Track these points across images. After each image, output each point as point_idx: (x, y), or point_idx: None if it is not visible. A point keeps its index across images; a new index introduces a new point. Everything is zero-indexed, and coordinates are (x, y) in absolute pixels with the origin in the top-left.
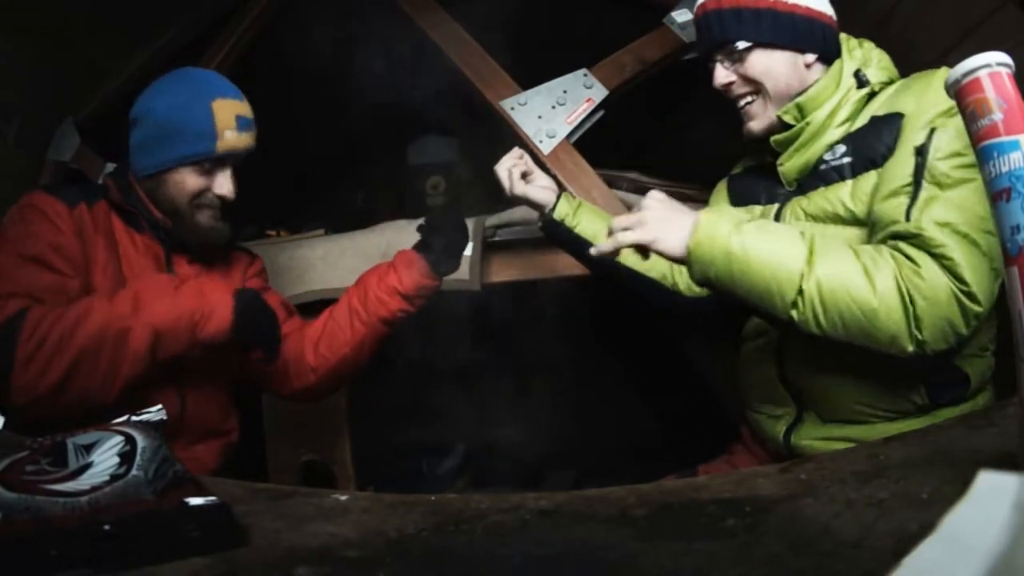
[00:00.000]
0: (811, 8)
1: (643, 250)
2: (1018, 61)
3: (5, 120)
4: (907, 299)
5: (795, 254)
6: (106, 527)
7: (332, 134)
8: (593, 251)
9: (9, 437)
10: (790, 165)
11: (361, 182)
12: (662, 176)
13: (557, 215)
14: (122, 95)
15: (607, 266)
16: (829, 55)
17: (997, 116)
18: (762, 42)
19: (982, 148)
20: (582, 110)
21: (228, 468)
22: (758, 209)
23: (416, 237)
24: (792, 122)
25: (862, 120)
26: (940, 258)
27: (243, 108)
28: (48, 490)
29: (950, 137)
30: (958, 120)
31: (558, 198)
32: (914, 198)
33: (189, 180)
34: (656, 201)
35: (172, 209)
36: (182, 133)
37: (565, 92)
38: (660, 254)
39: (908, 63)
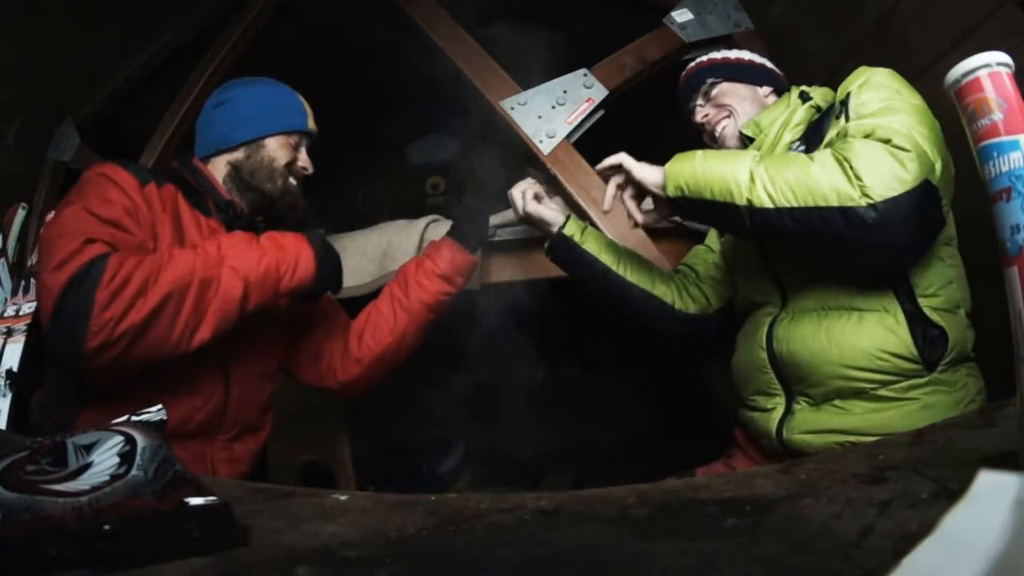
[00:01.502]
0: (765, 63)
1: (639, 194)
2: (1018, 61)
3: (5, 120)
4: (841, 159)
5: (747, 156)
6: (106, 527)
7: (332, 134)
8: (598, 167)
9: (9, 437)
10: None
11: (361, 182)
12: None
13: (567, 232)
14: (122, 95)
15: (610, 287)
16: (781, 92)
17: (997, 116)
18: (729, 77)
19: (982, 148)
20: (582, 110)
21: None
22: None
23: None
24: (752, 135)
25: (811, 125)
26: (866, 136)
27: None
28: (48, 490)
29: (866, 89)
30: (872, 78)
31: (567, 219)
32: (845, 128)
33: (284, 148)
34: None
35: (267, 175)
36: (279, 108)
37: (565, 92)
38: (641, 181)
39: (908, 63)
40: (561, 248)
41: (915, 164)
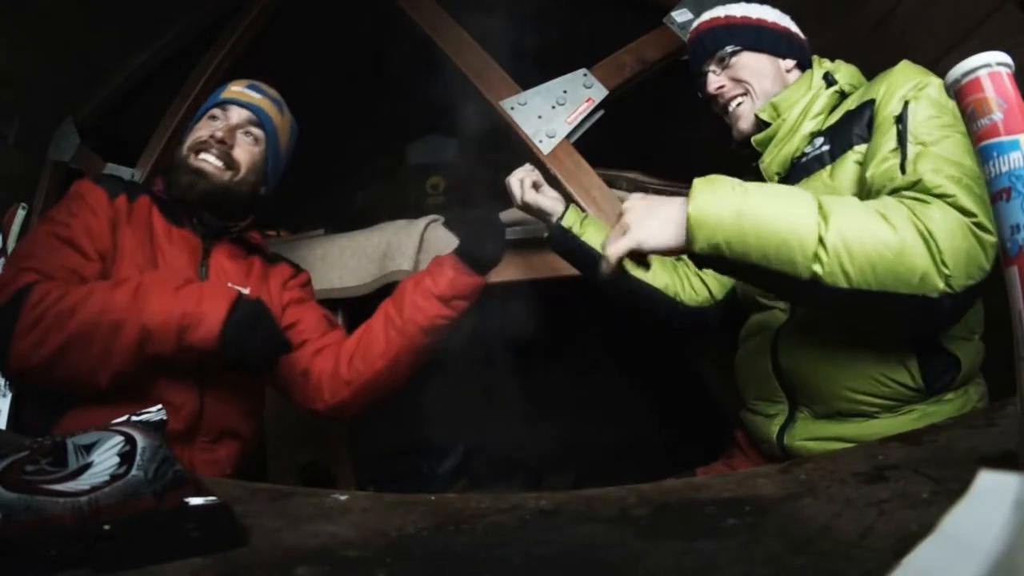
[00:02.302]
0: (789, 27)
1: (641, 259)
2: (1018, 61)
3: (5, 120)
4: (926, 234)
5: (806, 206)
6: (106, 527)
7: (332, 134)
8: (602, 271)
9: (9, 437)
10: (770, 160)
11: (361, 182)
12: (662, 176)
13: (566, 223)
14: (122, 95)
15: (610, 279)
16: (805, 64)
17: (997, 116)
18: (749, 46)
19: (982, 148)
20: (582, 110)
21: (242, 473)
22: None
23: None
24: (769, 120)
25: (836, 116)
26: (943, 197)
27: (262, 85)
28: (48, 490)
29: (924, 105)
30: (928, 91)
31: (566, 208)
32: (904, 157)
33: (198, 131)
34: (634, 200)
35: (178, 168)
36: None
37: (565, 92)
38: (655, 251)
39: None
40: (560, 239)
41: (994, 250)
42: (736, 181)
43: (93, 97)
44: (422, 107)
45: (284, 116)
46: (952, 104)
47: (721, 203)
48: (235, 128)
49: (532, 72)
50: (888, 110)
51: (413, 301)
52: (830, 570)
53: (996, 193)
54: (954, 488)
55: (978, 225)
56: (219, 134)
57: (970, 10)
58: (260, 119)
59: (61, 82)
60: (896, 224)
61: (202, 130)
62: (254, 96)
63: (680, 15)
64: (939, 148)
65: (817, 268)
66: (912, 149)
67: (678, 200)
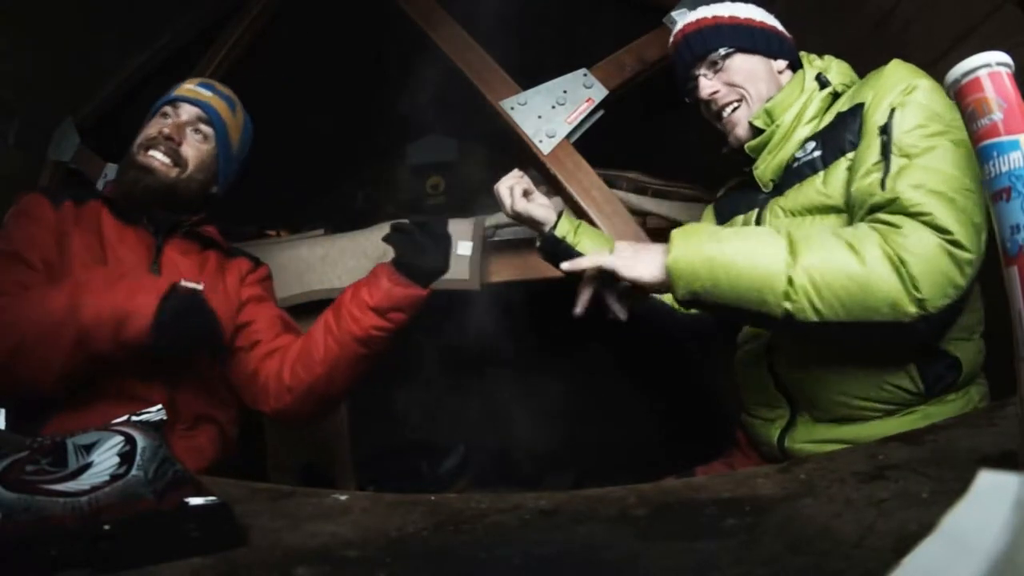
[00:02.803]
0: (775, 27)
1: (623, 293)
2: (1018, 61)
3: (5, 120)
4: (896, 260)
5: (776, 247)
6: (106, 527)
7: (332, 134)
8: (564, 266)
9: (9, 437)
10: (764, 167)
11: (361, 182)
12: (662, 176)
13: (559, 233)
14: (122, 95)
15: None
16: (795, 64)
17: (997, 116)
18: (741, 48)
19: (982, 148)
20: (582, 110)
21: (230, 463)
22: (740, 218)
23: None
24: (763, 126)
25: (829, 118)
26: (918, 216)
27: (213, 82)
28: (48, 490)
29: (910, 112)
30: (916, 96)
31: (559, 216)
32: (886, 171)
33: (148, 128)
34: (623, 244)
35: (124, 163)
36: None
37: (565, 92)
38: (635, 282)
39: (908, 62)
40: (553, 248)
41: (971, 268)
42: (713, 229)
43: (93, 97)
44: (422, 107)
45: (236, 115)
46: (942, 107)
47: (695, 254)
48: (184, 125)
49: (532, 72)
50: (875, 119)
51: (349, 311)
52: (830, 570)
53: (996, 193)
54: (954, 488)
55: (953, 243)
56: (167, 131)
57: (970, 10)
58: (210, 116)
59: (61, 82)
60: (865, 255)
61: (152, 127)
62: (204, 94)
63: (680, 15)
64: (924, 160)
65: (788, 306)
66: (895, 163)
67: (660, 248)
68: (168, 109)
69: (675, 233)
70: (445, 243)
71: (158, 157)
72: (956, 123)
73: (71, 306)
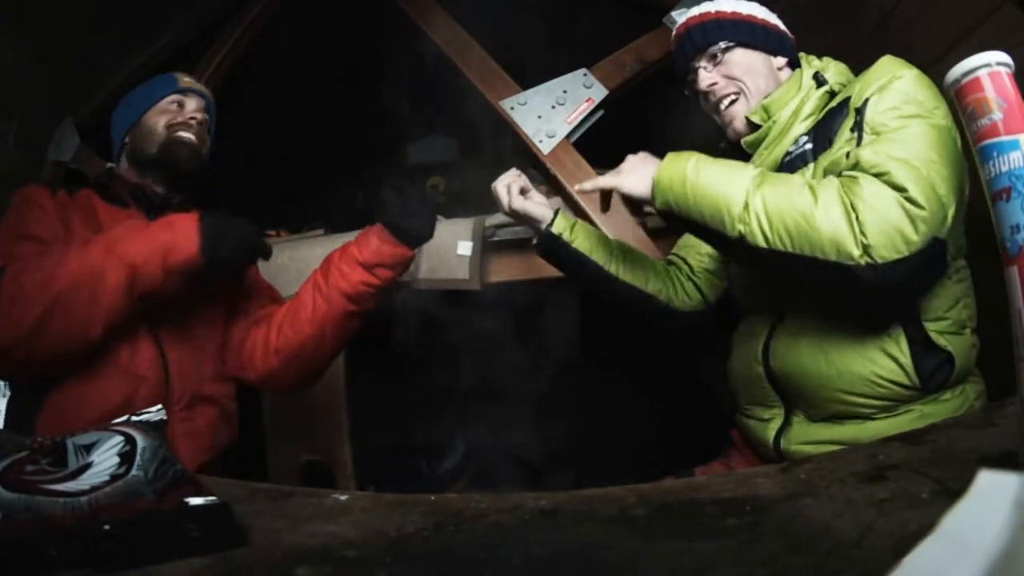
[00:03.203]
0: (777, 25)
1: (607, 200)
2: (1018, 61)
3: (5, 120)
4: (847, 205)
5: (745, 176)
6: (106, 527)
7: (332, 133)
8: (576, 187)
9: (9, 437)
10: (760, 163)
11: (361, 182)
12: None
13: (555, 229)
14: (122, 95)
15: (602, 284)
16: (794, 63)
17: (997, 116)
18: (742, 42)
19: (982, 148)
20: (582, 110)
21: (230, 456)
22: None
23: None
24: (760, 122)
25: (823, 115)
26: (879, 175)
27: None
28: (48, 490)
29: (887, 96)
30: (897, 84)
31: (555, 214)
32: (857, 145)
33: (162, 114)
34: (635, 156)
35: (148, 143)
36: (150, 88)
37: (565, 92)
38: (626, 197)
39: (908, 62)
40: (549, 245)
41: (926, 225)
42: (702, 157)
43: (93, 97)
44: (422, 107)
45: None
46: (923, 95)
47: (676, 170)
48: (196, 112)
49: (532, 72)
50: (854, 106)
51: (339, 268)
52: (830, 570)
53: (996, 193)
54: (954, 488)
55: (908, 199)
56: (199, 115)
57: (970, 10)
58: (207, 108)
59: (61, 82)
60: (820, 196)
61: (171, 113)
62: (202, 88)
63: (680, 15)
64: (893, 135)
65: (741, 227)
66: (866, 139)
67: (656, 163)
68: (181, 98)
69: (670, 154)
70: (432, 210)
71: (192, 136)
72: (937, 111)
73: (113, 254)
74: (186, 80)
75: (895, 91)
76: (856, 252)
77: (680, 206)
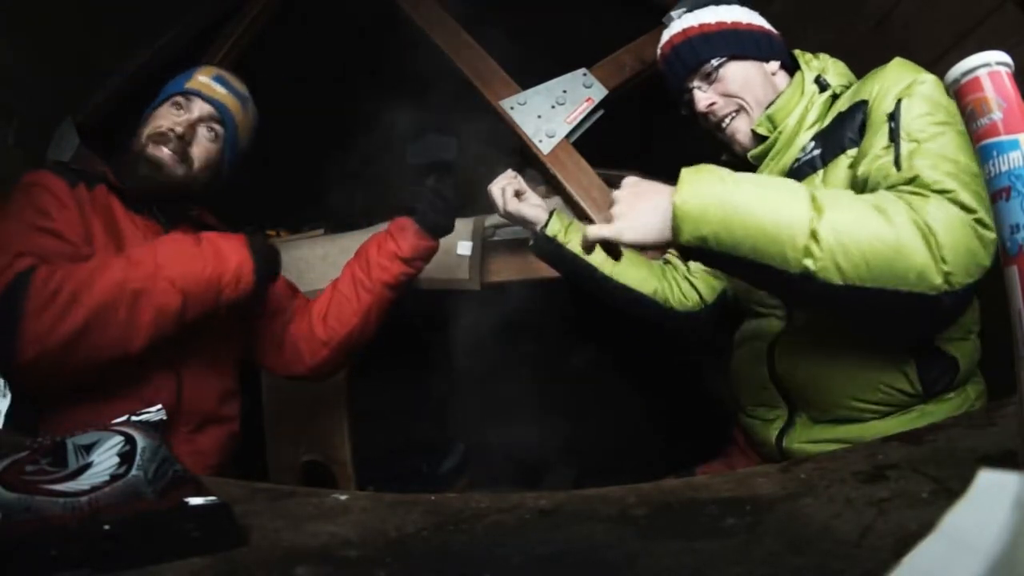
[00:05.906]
0: (763, 26)
1: (613, 249)
2: (1018, 61)
3: (5, 120)
4: (925, 229)
5: (798, 198)
6: (106, 527)
7: (332, 133)
8: (584, 243)
9: (9, 437)
10: (768, 173)
11: (361, 182)
12: (663, 176)
13: (550, 231)
14: (122, 95)
15: (598, 285)
16: (787, 64)
17: (996, 115)
18: (733, 55)
19: (981, 147)
20: (582, 110)
21: (232, 464)
22: None
23: None
24: (766, 133)
25: (829, 119)
26: (942, 193)
27: (229, 76)
28: (48, 490)
29: (917, 102)
30: (922, 88)
31: (550, 216)
32: (898, 154)
33: (158, 119)
34: (626, 188)
35: (131, 154)
36: (166, 85)
37: (565, 92)
38: (633, 246)
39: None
40: (545, 247)
41: (993, 247)
42: (726, 171)
43: (93, 97)
44: (421, 107)
45: (248, 112)
46: (946, 101)
47: (708, 194)
48: (196, 123)
49: (532, 71)
50: (881, 108)
51: (379, 263)
52: (830, 570)
53: (996, 192)
54: (954, 488)
55: (979, 222)
56: (179, 129)
57: (970, 10)
58: (222, 116)
59: (61, 82)
60: (894, 218)
61: (163, 120)
62: (219, 91)
63: (679, 15)
64: (933, 144)
65: (809, 263)
66: (905, 146)
67: (667, 190)
68: (181, 100)
69: (685, 171)
70: (452, 206)
71: (167, 153)
72: (959, 117)
73: (163, 271)
74: (200, 79)
75: (923, 97)
76: (938, 280)
77: (722, 239)
